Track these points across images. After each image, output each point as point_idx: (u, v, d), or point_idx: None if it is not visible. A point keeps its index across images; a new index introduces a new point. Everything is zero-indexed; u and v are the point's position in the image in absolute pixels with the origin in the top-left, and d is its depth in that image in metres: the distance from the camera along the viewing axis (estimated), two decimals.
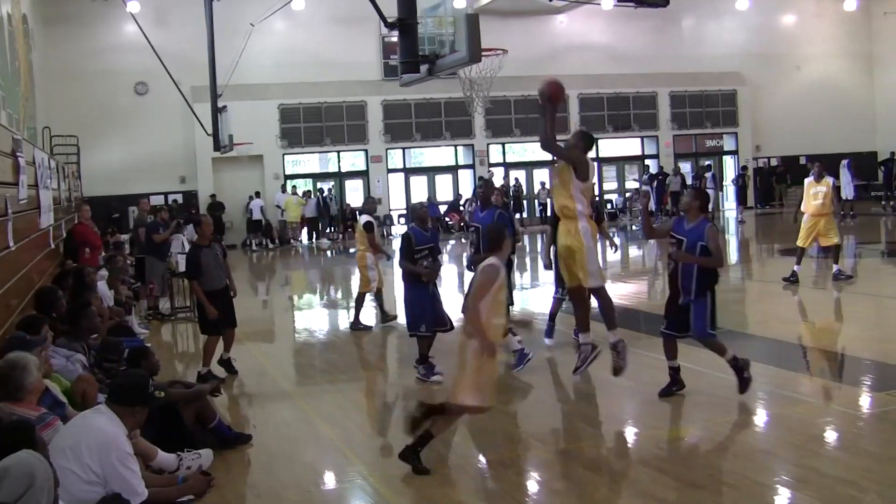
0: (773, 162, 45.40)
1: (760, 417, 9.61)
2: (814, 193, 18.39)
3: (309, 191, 39.23)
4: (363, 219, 16.90)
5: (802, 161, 43.68)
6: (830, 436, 9.04)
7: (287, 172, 39.52)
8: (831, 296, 17.87)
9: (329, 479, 8.67)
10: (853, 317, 15.45)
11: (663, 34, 42.48)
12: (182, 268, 16.95)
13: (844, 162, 36.40)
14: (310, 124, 38.70)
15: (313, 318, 19.83)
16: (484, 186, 14.16)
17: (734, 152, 45.28)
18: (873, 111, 47.37)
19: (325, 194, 39.11)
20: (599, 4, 37.81)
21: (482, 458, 9.03)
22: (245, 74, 32.62)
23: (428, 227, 12.27)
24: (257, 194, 37.24)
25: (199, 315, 13.03)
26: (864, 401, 10.28)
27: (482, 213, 12.90)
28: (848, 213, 35.36)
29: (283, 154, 38.96)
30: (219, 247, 13.03)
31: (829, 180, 18.29)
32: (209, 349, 12.86)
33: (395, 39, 15.65)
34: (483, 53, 15.38)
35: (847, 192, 36.06)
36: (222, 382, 11.81)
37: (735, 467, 8.39)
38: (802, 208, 18.67)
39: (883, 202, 38.50)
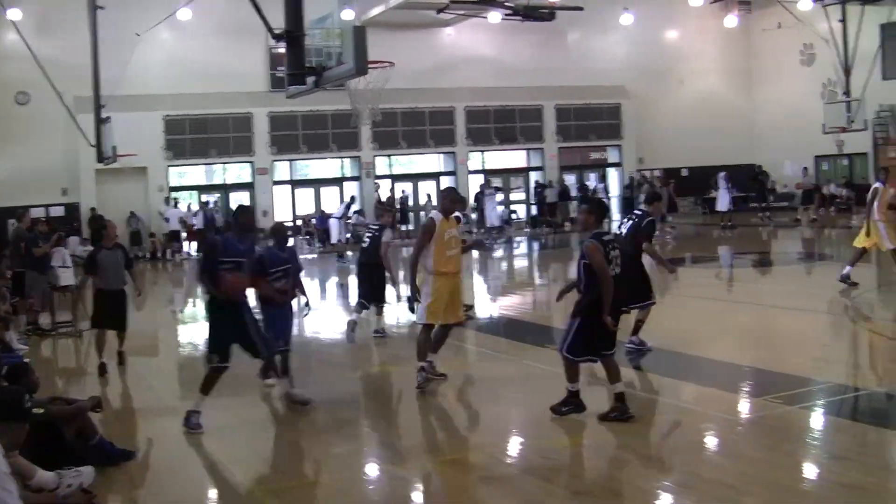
0: (657, 174, 46.13)
1: (644, 425, 9.78)
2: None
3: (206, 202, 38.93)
4: None
5: (684, 173, 44.58)
6: (711, 441, 9.27)
7: (172, 184, 39.01)
8: (711, 305, 18.27)
9: (216, 495, 8.62)
10: (731, 325, 15.80)
11: (549, 48, 42.92)
12: (63, 282, 16.89)
13: (721, 174, 37.23)
14: (195, 136, 38.24)
15: (198, 332, 19.60)
16: (239, 213, 11.55)
17: (618, 165, 45.94)
18: (752, 125, 48.49)
19: (209, 206, 38.66)
20: (486, 18, 38.12)
21: (369, 472, 9.06)
22: (130, 85, 32.17)
23: (286, 247, 12.22)
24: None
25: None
26: (743, 406, 10.56)
27: (241, 245, 10.59)
28: (726, 225, 36.22)
29: (168, 166, 38.43)
30: (122, 252, 13.65)
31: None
32: (98, 342, 13.85)
33: (282, 51, 15.59)
34: (370, 66, 15.45)
35: (722, 204, 36.97)
36: (99, 404, 11.58)
37: (619, 474, 8.57)
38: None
39: (759, 214, 39.46)
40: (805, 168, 42.65)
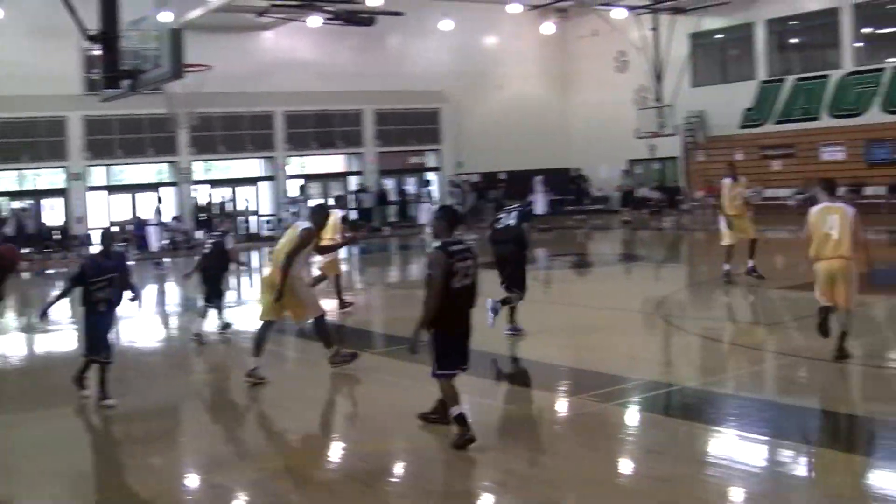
0: (475, 178, 46.68)
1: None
2: (732, 195, 19.36)
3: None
4: None
5: (503, 177, 45.21)
6: (530, 440, 9.46)
7: None
8: (527, 306, 18.58)
9: None
10: (548, 325, 16.08)
11: (370, 52, 42.97)
12: None
13: (537, 178, 37.88)
14: (5, 140, 36.94)
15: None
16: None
17: (437, 169, 46.29)
18: (568, 130, 49.51)
19: (25, 212, 37.43)
20: (306, 22, 37.97)
21: (189, 483, 8.97)
22: None
23: (111, 254, 11.95)
24: None
25: None
26: (561, 405, 10.81)
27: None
28: (542, 227, 36.88)
29: None
30: None
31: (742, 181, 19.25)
32: None
33: (97, 53, 15.26)
34: (187, 69, 15.27)
35: (539, 207, 37.62)
36: None
37: (439, 476, 8.65)
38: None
39: (576, 216, 40.16)
40: (625, 171, 43.95)
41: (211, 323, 16.09)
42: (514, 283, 14.24)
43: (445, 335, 9.07)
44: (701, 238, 33.34)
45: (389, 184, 44.95)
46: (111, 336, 11.70)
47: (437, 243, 9.15)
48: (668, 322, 15.35)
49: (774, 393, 11.22)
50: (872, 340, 13.28)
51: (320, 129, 43.00)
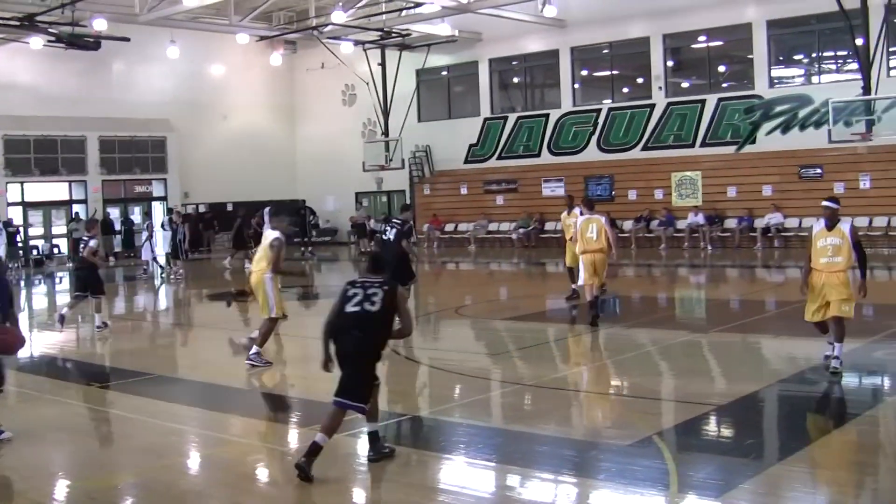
0: (202, 208, 46.08)
1: (193, 460, 9.76)
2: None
3: None
4: None
5: (230, 208, 44.79)
6: (261, 472, 9.42)
7: None
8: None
9: None
10: (282, 356, 16.04)
11: (93, 77, 41.81)
12: None
13: (266, 210, 37.58)
14: None
15: None
16: None
17: (164, 198, 45.40)
18: (295, 161, 49.67)
19: None
20: (28, 43, 36.61)
21: None
22: None
23: None
24: None
25: None
26: (292, 436, 10.81)
27: None
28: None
29: None
30: None
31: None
32: None
33: None
34: None
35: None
36: None
37: None
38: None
39: (302, 248, 39.99)
40: (361, 203, 44.45)
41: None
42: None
43: None
44: (428, 269, 33.99)
45: (114, 213, 43.72)
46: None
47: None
48: (397, 351, 15.53)
49: (500, 420, 11.53)
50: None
51: (42, 154, 41.38)
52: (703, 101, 36.45)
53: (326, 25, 38.70)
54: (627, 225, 37.31)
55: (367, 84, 43.07)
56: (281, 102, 49.61)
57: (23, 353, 16.85)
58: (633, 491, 8.25)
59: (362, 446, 9.58)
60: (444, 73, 44.36)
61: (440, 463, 9.43)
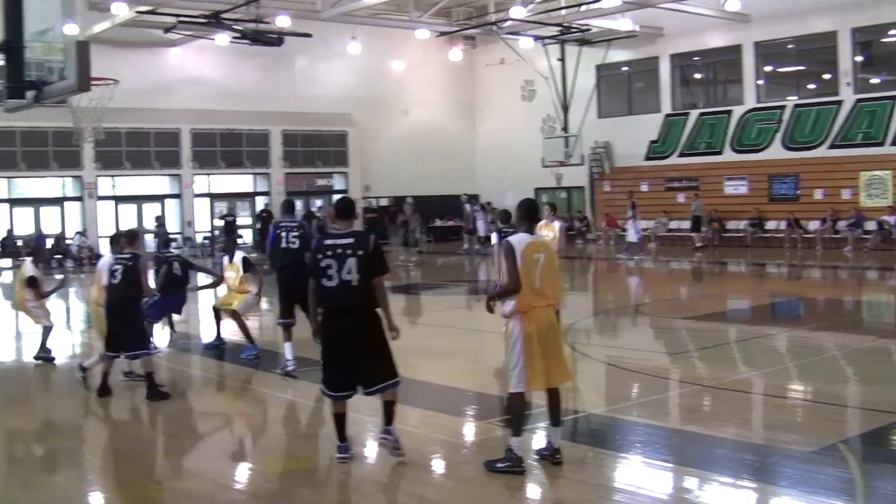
0: (384, 202, 46.73)
1: (370, 449, 9.81)
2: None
3: None
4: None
5: (409, 201, 45.24)
6: (436, 464, 9.41)
7: None
8: (437, 330, 18.57)
9: None
10: (456, 349, 16.09)
11: (278, 73, 42.81)
12: None
13: (476, 205, 37.94)
14: None
15: None
16: None
17: (344, 192, 46.11)
18: (473, 156, 49.83)
19: None
20: (214, 40, 37.66)
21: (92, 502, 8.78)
22: None
23: None
24: None
25: None
26: (468, 430, 10.79)
27: None
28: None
29: None
30: None
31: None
32: None
33: (0, 63, 14.96)
34: (93, 83, 15.04)
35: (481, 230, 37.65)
36: None
37: (344, 498, 8.59)
38: None
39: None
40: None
41: None
42: None
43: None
44: (606, 267, 33.76)
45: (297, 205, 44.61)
46: None
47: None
48: (575, 349, 15.39)
49: (678, 421, 11.31)
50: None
51: (227, 147, 42.70)
52: (894, 98, 35.09)
53: (506, 21, 38.67)
54: (813, 225, 36.26)
55: (547, 80, 42.92)
56: (460, 98, 49.83)
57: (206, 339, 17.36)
58: (817, 500, 7.95)
59: (536, 442, 9.49)
60: (625, 68, 43.86)
61: (615, 462, 9.27)
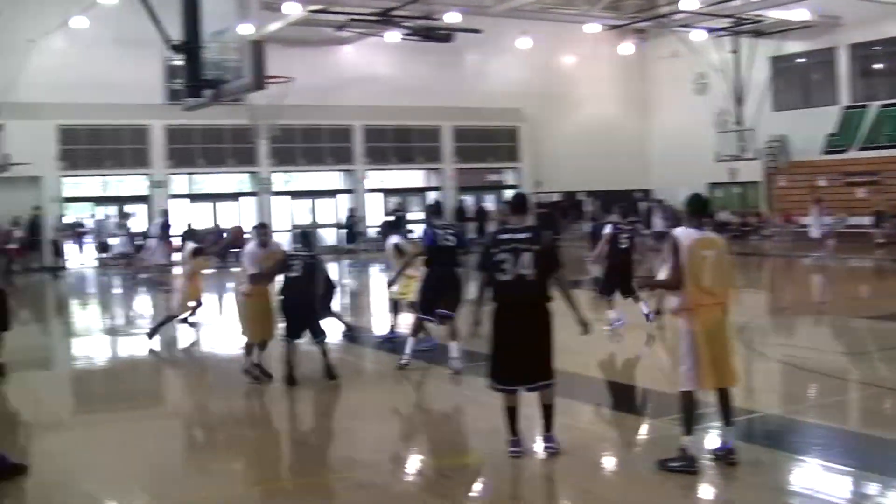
0: (555, 197, 46.56)
1: (538, 445, 9.77)
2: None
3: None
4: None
5: (580, 197, 45.05)
6: (608, 461, 9.35)
7: (67, 195, 38.28)
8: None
9: None
10: (628, 347, 15.92)
11: (448, 69, 43.08)
12: None
13: (654, 205, 37.55)
14: (90, 146, 37.52)
15: (93, 345, 19.13)
16: None
17: (515, 187, 46.10)
18: (646, 151, 49.20)
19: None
20: (384, 37, 38.12)
21: (267, 489, 8.98)
22: (23, 92, 31.57)
23: None
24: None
25: None
26: (642, 428, 10.68)
27: None
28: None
29: (61, 176, 37.56)
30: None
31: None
32: None
33: (179, 63, 15.43)
34: (268, 81, 15.36)
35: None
36: None
37: (518, 492, 8.60)
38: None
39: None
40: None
41: None
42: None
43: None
44: (780, 264, 33.01)
45: (468, 200, 44.95)
46: None
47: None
48: (751, 349, 15.06)
49: (858, 424, 10.96)
50: None
51: (399, 143, 43.25)
52: None
53: (677, 13, 38.12)
54: None
55: (719, 72, 42.15)
56: (631, 92, 49.29)
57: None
58: None
59: (709, 441, 9.32)
60: (800, 60, 42.76)
61: (792, 464, 9.03)
